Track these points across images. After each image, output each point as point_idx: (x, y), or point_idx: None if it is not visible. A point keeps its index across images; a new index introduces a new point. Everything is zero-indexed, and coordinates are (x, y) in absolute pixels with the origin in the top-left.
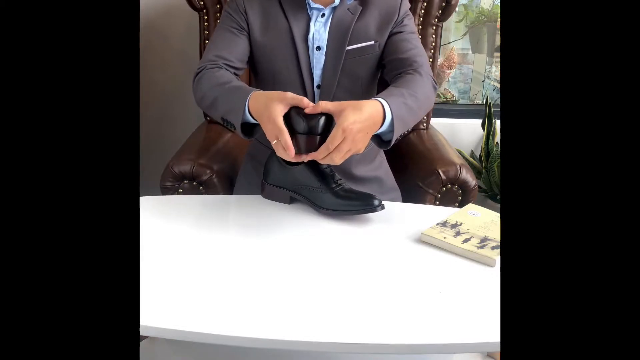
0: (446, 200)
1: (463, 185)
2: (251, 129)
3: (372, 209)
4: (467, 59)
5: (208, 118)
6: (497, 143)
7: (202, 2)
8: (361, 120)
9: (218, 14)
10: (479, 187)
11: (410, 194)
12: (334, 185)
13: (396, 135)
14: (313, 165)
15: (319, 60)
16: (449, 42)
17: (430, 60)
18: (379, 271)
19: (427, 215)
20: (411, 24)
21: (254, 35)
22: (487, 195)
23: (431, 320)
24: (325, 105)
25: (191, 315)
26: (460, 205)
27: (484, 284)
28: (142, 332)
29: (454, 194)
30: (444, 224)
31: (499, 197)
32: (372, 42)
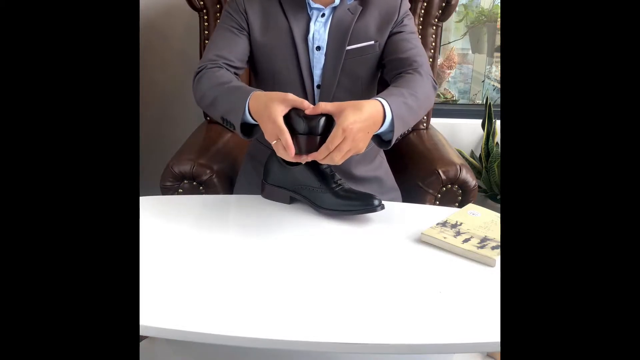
0: (446, 200)
1: (463, 185)
2: (251, 129)
3: (372, 209)
4: (467, 59)
5: (208, 118)
6: (497, 143)
7: (202, 2)
8: (361, 120)
9: (218, 14)
10: (479, 187)
11: (410, 194)
12: (334, 185)
13: (396, 135)
14: (313, 165)
15: (319, 60)
16: (449, 42)
17: (430, 60)
18: (379, 271)
19: (427, 215)
20: (411, 24)
21: (254, 35)
22: (487, 195)
23: (431, 320)
24: (325, 106)
25: (191, 315)
26: (460, 205)
27: (484, 284)
28: (142, 332)
29: (454, 194)
30: (444, 224)
31: (499, 197)
32: (372, 42)
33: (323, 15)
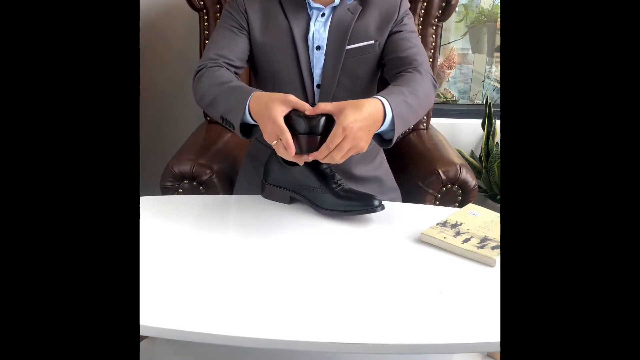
0: (446, 200)
1: (463, 185)
2: (250, 130)
3: (372, 209)
4: (467, 59)
5: (208, 118)
6: (497, 143)
7: (202, 2)
8: (361, 118)
9: (218, 14)
10: (479, 187)
11: (410, 194)
12: (334, 186)
13: (397, 134)
14: (313, 165)
15: (318, 60)
16: (449, 42)
17: (430, 60)
18: (379, 271)
19: (427, 215)
20: (411, 23)
21: (254, 34)
22: (487, 195)
23: (431, 320)
24: (325, 106)
25: (191, 315)
26: (460, 205)
27: (484, 284)
28: (142, 332)
29: (454, 194)
30: (444, 224)
31: (499, 197)
32: (372, 42)
33: (323, 14)
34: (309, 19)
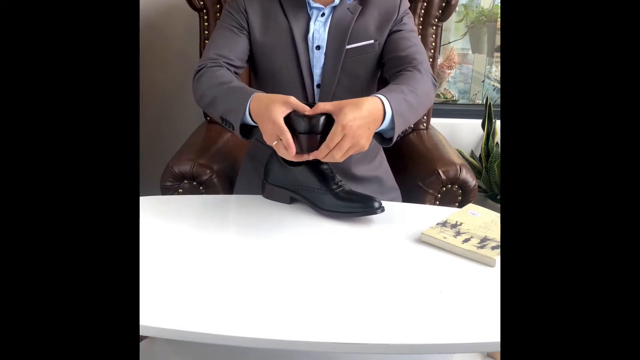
0: (446, 200)
1: (463, 185)
2: (249, 130)
3: (372, 211)
4: (467, 59)
5: (208, 118)
6: (497, 143)
7: (202, 2)
8: (361, 116)
9: (218, 14)
10: (479, 187)
11: (410, 194)
12: (334, 187)
13: (397, 132)
14: (314, 166)
15: (318, 60)
16: (449, 42)
17: (430, 60)
18: (379, 271)
19: (427, 215)
20: (410, 23)
21: (254, 34)
22: (487, 195)
23: (431, 320)
24: (324, 106)
25: (191, 315)
26: (460, 205)
27: (484, 284)
28: (142, 332)
29: (454, 194)
30: (444, 224)
31: (499, 197)
32: (372, 41)
33: (323, 14)
34: (309, 19)
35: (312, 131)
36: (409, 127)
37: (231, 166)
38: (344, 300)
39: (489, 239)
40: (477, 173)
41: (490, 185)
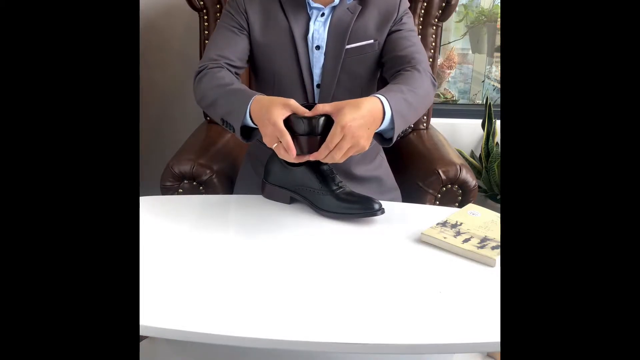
0: (446, 200)
1: (463, 185)
2: (250, 132)
3: (372, 213)
4: (467, 59)
5: (208, 118)
6: (497, 143)
7: (202, 2)
8: (360, 116)
9: (218, 14)
10: (479, 187)
11: (410, 194)
12: (334, 188)
13: (397, 132)
14: (314, 166)
15: (318, 60)
16: (449, 42)
17: (430, 60)
18: (379, 271)
19: (427, 215)
20: (410, 22)
21: (254, 34)
22: (487, 195)
23: (431, 320)
24: (323, 107)
25: (191, 315)
26: (460, 205)
27: (484, 284)
28: (142, 332)
29: (454, 194)
30: (444, 224)
31: (499, 197)
32: (372, 41)
33: (323, 14)
34: (309, 19)
35: (311, 132)
36: (409, 127)
37: (231, 166)
38: (344, 300)
39: (489, 239)
40: (477, 173)
41: (490, 185)
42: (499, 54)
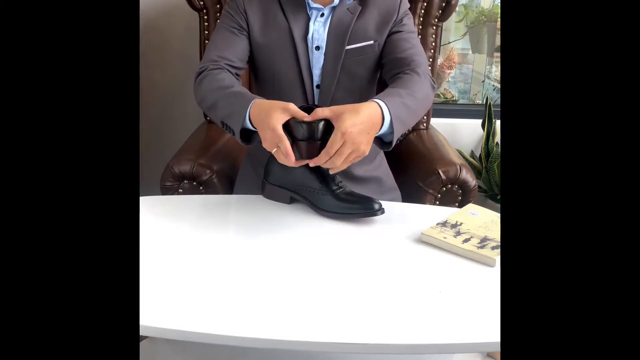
0: (446, 200)
1: (463, 185)
2: (250, 135)
3: (372, 213)
4: (467, 59)
5: (208, 118)
6: (497, 143)
7: (202, 2)
8: (360, 122)
9: (218, 14)
10: (479, 187)
11: (410, 194)
12: (334, 188)
13: (396, 136)
14: (314, 166)
15: (318, 60)
16: (449, 42)
17: (430, 60)
18: (379, 271)
19: (427, 215)
20: (410, 24)
21: (253, 35)
22: (487, 195)
23: (431, 320)
24: (323, 112)
25: (191, 315)
26: (460, 205)
27: (484, 284)
28: (142, 332)
29: (454, 194)
30: (444, 224)
31: (499, 197)
32: (372, 42)
33: (322, 15)
34: (309, 19)
35: (311, 137)
36: (409, 129)
37: (231, 166)
38: (344, 300)
39: (489, 239)
40: (477, 173)
41: (490, 185)
42: (499, 54)
